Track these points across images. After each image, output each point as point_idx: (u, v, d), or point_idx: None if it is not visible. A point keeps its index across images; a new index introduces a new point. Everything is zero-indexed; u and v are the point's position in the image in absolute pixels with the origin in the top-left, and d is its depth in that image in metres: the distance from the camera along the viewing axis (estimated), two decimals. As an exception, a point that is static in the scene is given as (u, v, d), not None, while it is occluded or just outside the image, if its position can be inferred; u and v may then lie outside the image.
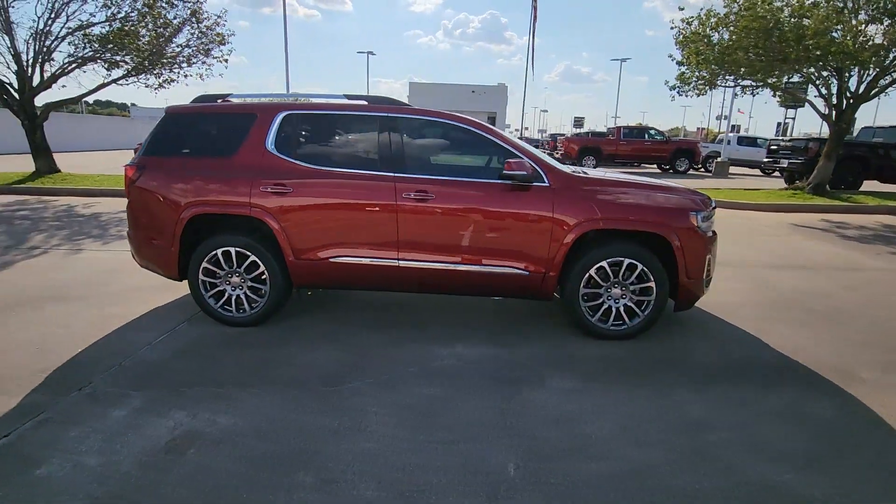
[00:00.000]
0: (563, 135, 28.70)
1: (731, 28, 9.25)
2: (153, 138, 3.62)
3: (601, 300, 3.43)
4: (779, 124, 36.16)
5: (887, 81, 9.95)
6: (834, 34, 8.56)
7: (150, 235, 3.60)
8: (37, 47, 11.28)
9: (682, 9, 10.79)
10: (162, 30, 11.84)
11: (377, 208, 3.37)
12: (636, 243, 3.37)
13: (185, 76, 12.28)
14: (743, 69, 9.68)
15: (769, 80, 10.59)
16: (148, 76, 12.08)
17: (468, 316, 3.93)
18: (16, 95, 11.45)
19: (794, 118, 33.22)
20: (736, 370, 3.08)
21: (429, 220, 3.37)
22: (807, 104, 11.43)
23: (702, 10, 10.05)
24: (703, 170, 21.84)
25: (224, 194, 3.43)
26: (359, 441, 2.30)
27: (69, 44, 11.59)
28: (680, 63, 11.05)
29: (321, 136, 3.57)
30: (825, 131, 12.97)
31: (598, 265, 3.35)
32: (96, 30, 11.57)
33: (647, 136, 20.27)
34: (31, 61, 11.33)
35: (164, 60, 12.28)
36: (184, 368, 2.98)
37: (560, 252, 3.34)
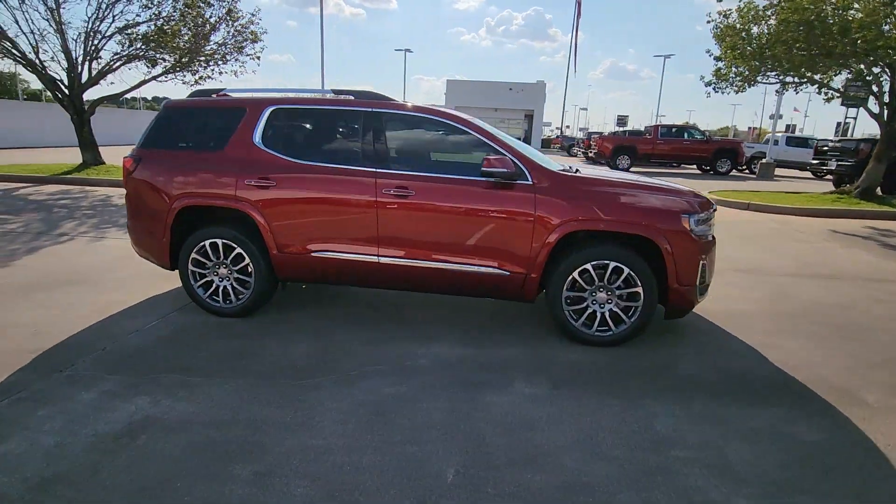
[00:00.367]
0: (599, 133, 27.96)
1: (771, 21, 8.70)
2: (150, 131, 3.74)
3: (585, 304, 3.29)
4: (838, 124, 33.85)
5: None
6: (884, 27, 7.90)
7: (145, 225, 3.72)
8: (86, 46, 11.94)
9: (720, 0, 10.25)
10: (200, 28, 12.29)
11: (358, 204, 3.35)
12: (623, 246, 3.21)
13: (220, 73, 12.70)
14: (782, 65, 9.08)
15: (815, 77, 9.90)
16: (185, 73, 12.57)
17: (458, 315, 3.86)
18: (66, 91, 12.17)
19: (855, 118, 31.05)
20: (723, 385, 2.89)
21: (408, 217, 3.33)
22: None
23: (741, 0, 9.50)
24: (747, 171, 20.80)
25: (212, 187, 3.50)
26: (306, 437, 2.29)
27: (117, 43, 12.24)
28: (717, 58, 10.52)
29: (306, 131, 3.59)
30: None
31: (581, 268, 3.22)
32: (141, 28, 12.16)
33: (686, 135, 19.45)
34: (80, 59, 12.00)
35: (202, 58, 12.77)
36: (161, 355, 3.07)
37: (542, 253, 3.22)
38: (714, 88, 10.83)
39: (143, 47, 12.22)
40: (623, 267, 3.17)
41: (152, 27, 11.83)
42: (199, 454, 2.15)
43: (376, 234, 3.37)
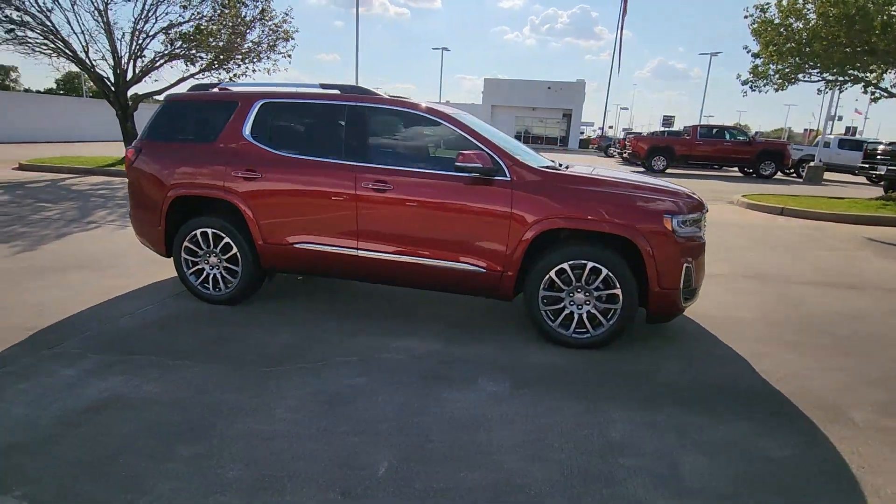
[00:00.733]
0: (638, 133, 27.14)
1: (810, 15, 8.19)
2: (151, 123, 3.91)
3: (563, 305, 3.21)
4: (902, 126, 31.61)
5: None
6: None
7: (144, 213, 3.90)
8: (131, 45, 12.60)
9: None
10: (237, 27, 12.74)
11: (338, 197, 3.39)
12: (602, 246, 3.11)
13: (254, 71, 13.13)
14: (821, 61, 8.54)
15: (859, 75, 9.25)
16: (219, 71, 13.06)
17: (444, 311, 3.85)
18: (112, 88, 12.87)
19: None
20: (698, 393, 2.76)
21: (386, 211, 3.34)
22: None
23: (779, -6, 8.99)
24: (794, 174, 19.71)
25: (203, 178, 3.63)
26: (257, 422, 2.34)
27: (161, 42, 12.86)
28: (755, 55, 10.01)
29: (292, 125, 3.66)
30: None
31: (558, 267, 3.14)
32: (184, 27, 12.72)
33: (727, 135, 18.61)
34: (125, 58, 12.67)
35: (239, 56, 13.24)
36: (146, 338, 3.20)
37: (518, 251, 3.17)
38: (751, 87, 10.31)
39: (183, 46, 12.79)
40: (601, 267, 3.08)
41: (191, 27, 12.35)
42: (150, 432, 2.24)
43: (356, 227, 3.41)
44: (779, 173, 18.69)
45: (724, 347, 3.38)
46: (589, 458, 2.16)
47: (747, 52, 10.25)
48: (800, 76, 9.89)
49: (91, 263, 4.74)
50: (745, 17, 9.68)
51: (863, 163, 12.93)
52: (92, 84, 12.51)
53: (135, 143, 3.93)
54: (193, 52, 12.95)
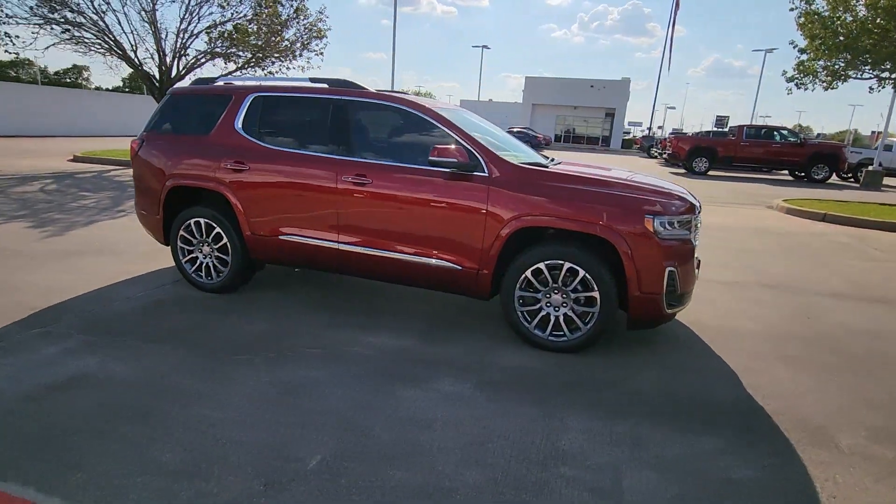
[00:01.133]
0: (682, 133, 26.06)
1: (859, 6, 7.57)
2: (155, 116, 4.06)
3: (539, 306, 3.10)
4: None
5: None
6: None
7: (145, 202, 4.06)
8: (175, 44, 13.22)
9: None
10: (274, 26, 13.14)
11: (320, 190, 3.41)
12: (580, 246, 2.98)
13: (288, 69, 13.48)
14: (871, 57, 7.88)
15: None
16: (255, 68, 13.50)
17: (428, 308, 3.80)
18: (157, 85, 13.55)
19: None
20: (669, 406, 2.59)
21: (365, 205, 3.33)
22: None
23: (828, -16, 8.36)
24: (852, 179, 18.38)
25: (197, 169, 3.74)
26: (208, 408, 2.38)
27: (205, 42, 13.43)
28: (801, 50, 9.38)
29: (280, 118, 3.70)
30: None
31: (534, 267, 3.03)
32: (228, 26, 13.24)
33: (776, 136, 17.54)
34: (169, 56, 13.31)
35: (276, 54, 13.65)
36: (132, 321, 3.33)
37: (494, 248, 3.08)
38: (796, 84, 9.67)
39: (224, 45, 13.31)
40: (578, 269, 2.95)
41: (231, 26, 12.83)
42: (104, 412, 2.31)
43: (336, 220, 3.41)
44: (834, 177, 17.48)
45: (714, 359, 3.17)
46: (529, 465, 2.07)
47: (793, 48, 9.62)
48: (850, 73, 9.18)
49: (109, 249, 4.99)
50: (791, 9, 9.08)
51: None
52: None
53: (140, 135, 4.09)
54: (233, 50, 13.45)
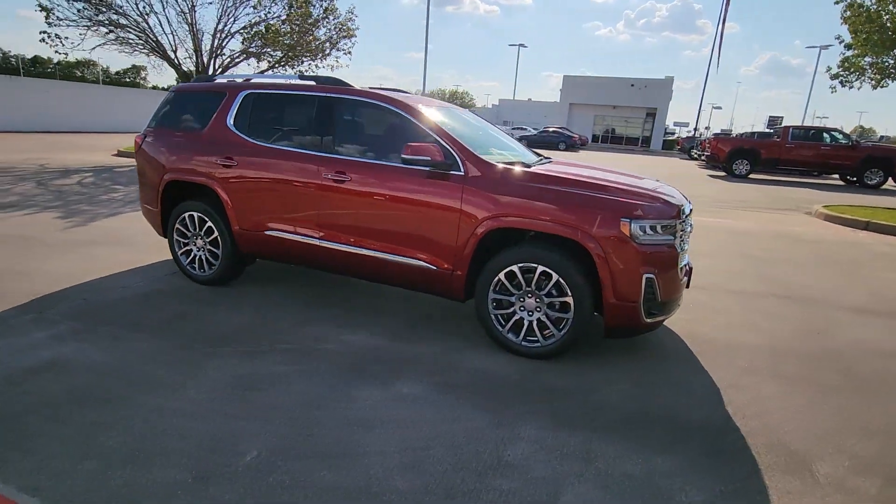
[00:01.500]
0: (725, 134, 24.93)
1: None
2: (158, 112, 4.20)
3: (513, 310, 3.01)
4: None
5: None
6: None
7: (146, 196, 4.21)
8: (212, 44, 13.72)
9: None
10: (305, 26, 13.43)
11: (303, 186, 3.44)
12: (555, 249, 2.87)
13: (317, 67, 13.74)
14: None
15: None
16: (285, 67, 13.83)
17: (411, 307, 3.77)
18: (194, 83, 14.09)
19: None
20: (633, 421, 2.46)
21: (344, 202, 3.33)
22: None
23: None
24: (910, 185, 17.07)
25: (191, 164, 3.84)
26: (166, 399, 2.43)
27: (240, 42, 13.90)
28: (847, 46, 8.78)
29: (269, 115, 3.74)
30: None
31: (507, 270, 2.95)
32: (261, 26, 13.64)
33: (825, 138, 16.49)
34: (206, 56, 13.83)
35: (307, 53, 13.96)
36: (121, 310, 3.46)
37: (467, 249, 3.02)
38: (841, 82, 9.05)
39: (257, 44, 13.71)
40: (552, 272, 2.84)
41: (262, 26, 13.20)
42: (69, 396, 2.40)
43: (317, 217, 3.43)
44: (890, 182, 16.28)
45: (700, 374, 2.99)
46: (466, 474, 2.01)
47: (839, 43, 9.02)
48: (900, 70, 8.51)
49: (123, 240, 5.21)
50: (836, 2, 8.49)
51: None
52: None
53: (143, 131, 4.24)
54: (267, 49, 13.84)
